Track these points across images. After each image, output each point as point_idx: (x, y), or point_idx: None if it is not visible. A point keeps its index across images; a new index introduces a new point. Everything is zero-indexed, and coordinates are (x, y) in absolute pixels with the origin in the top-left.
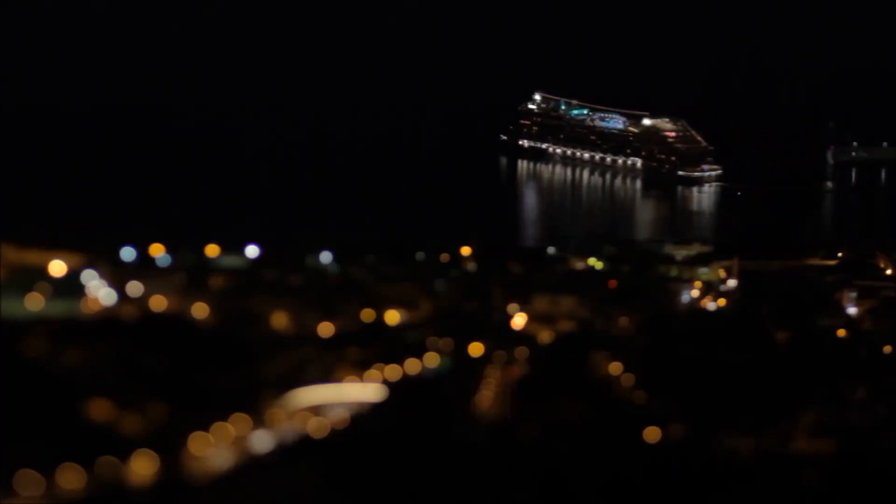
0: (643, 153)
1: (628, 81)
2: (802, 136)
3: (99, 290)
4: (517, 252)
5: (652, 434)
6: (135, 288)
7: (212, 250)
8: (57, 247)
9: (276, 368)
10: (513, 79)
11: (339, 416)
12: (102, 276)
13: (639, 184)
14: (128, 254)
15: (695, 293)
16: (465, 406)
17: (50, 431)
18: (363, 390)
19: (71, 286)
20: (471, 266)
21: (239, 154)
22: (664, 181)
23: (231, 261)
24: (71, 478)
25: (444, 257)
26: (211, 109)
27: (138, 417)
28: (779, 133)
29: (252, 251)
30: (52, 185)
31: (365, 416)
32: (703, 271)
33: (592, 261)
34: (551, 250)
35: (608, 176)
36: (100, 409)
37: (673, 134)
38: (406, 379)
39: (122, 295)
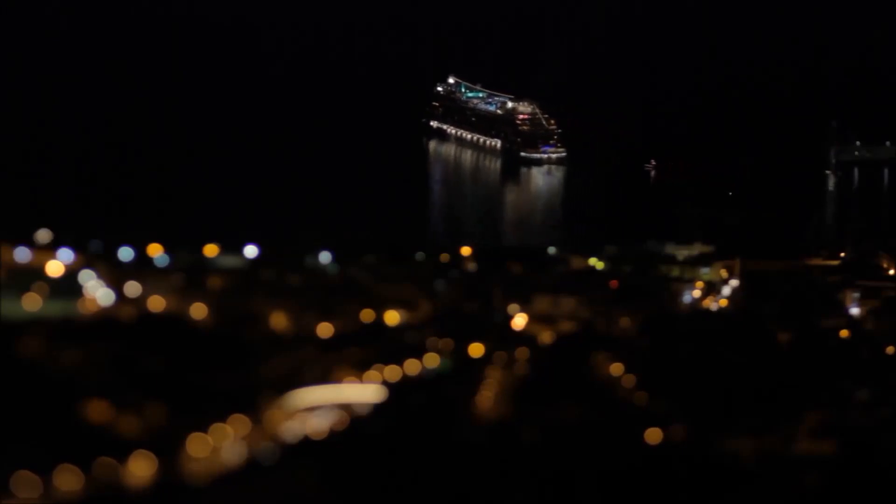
0: (501, 135)
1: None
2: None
3: (97, 291)
4: (517, 252)
5: (653, 435)
6: (133, 288)
7: (210, 250)
8: (55, 247)
9: (276, 369)
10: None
11: (339, 417)
12: (100, 276)
13: (499, 165)
14: (126, 254)
15: (696, 293)
16: (466, 407)
17: (47, 433)
18: (363, 391)
19: (69, 286)
20: (471, 266)
21: (239, 153)
22: (511, 162)
23: (230, 261)
24: (68, 479)
25: (444, 257)
26: (207, 109)
27: (136, 418)
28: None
29: (251, 251)
30: (50, 185)
31: (364, 418)
32: (705, 271)
33: (593, 261)
34: (552, 250)
35: (480, 156)
36: (97, 410)
37: (523, 116)
38: (406, 379)
39: (120, 295)
